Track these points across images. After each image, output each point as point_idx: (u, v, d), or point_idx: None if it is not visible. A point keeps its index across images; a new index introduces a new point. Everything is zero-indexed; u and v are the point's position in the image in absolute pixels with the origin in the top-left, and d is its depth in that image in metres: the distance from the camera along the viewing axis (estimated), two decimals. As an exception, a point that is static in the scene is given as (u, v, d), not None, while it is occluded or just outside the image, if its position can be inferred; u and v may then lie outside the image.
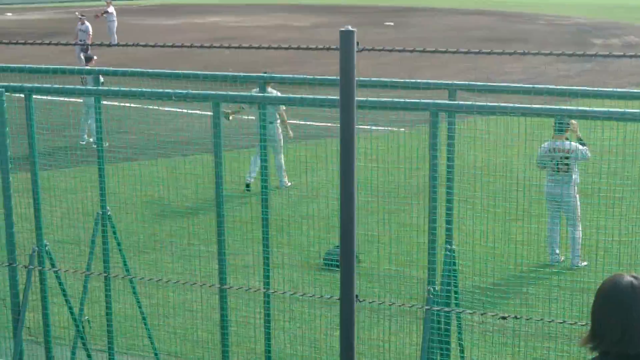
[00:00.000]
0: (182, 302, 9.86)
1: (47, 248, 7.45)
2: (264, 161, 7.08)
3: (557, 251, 11.50)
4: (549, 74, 27.49)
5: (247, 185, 14.85)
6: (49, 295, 7.67)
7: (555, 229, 11.47)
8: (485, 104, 6.18)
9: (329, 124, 7.06)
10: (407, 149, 7.50)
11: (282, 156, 15.08)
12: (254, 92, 14.72)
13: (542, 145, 11.19)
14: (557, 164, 11.30)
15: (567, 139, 11.34)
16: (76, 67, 8.29)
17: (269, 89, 14.97)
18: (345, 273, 4.82)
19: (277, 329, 8.68)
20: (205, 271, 9.95)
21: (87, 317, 8.05)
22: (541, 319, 6.28)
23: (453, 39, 37.92)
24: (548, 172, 11.42)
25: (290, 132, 15.17)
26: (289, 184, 14.80)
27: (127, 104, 12.88)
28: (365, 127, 6.78)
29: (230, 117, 14.29)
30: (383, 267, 9.01)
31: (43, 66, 7.60)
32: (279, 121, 15.07)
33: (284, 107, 14.56)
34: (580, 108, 6.07)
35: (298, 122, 7.78)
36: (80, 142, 18.05)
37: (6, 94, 7.02)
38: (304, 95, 6.39)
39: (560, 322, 6.18)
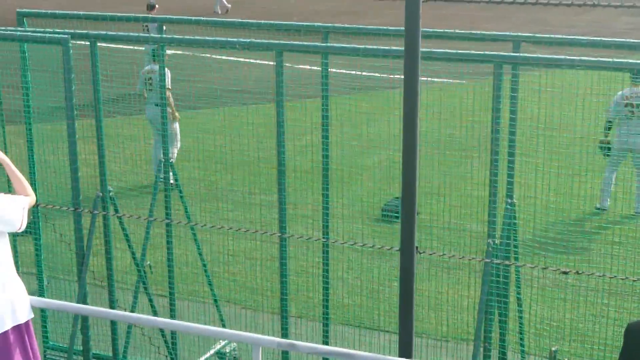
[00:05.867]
0: (242, 251, 9.98)
1: (111, 194, 7.57)
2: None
3: (608, 201, 11.50)
4: (614, 28, 26.91)
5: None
6: (112, 240, 7.83)
7: (612, 177, 11.51)
8: (551, 56, 6.09)
9: (387, 75, 7.04)
10: (467, 102, 7.44)
11: (175, 150, 13.10)
12: (147, 69, 13.59)
13: (618, 93, 11.14)
14: (632, 110, 11.29)
15: None
16: (140, 15, 8.34)
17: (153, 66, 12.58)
18: (405, 224, 4.85)
19: (335, 278, 8.75)
20: (265, 220, 10.05)
21: (149, 263, 8.19)
22: (603, 275, 6.23)
23: (516, -10, 37.18)
24: (622, 120, 11.37)
25: (176, 114, 13.13)
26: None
27: (187, 52, 12.94)
28: (424, 78, 6.74)
29: None
30: (441, 220, 8.99)
31: (108, 14, 7.66)
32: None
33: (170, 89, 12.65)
34: (648, 62, 5.96)
35: (360, 72, 7.75)
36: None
37: (72, 41, 7.11)
38: (367, 46, 6.36)
39: (623, 279, 6.13)
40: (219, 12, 31.21)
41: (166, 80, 13.24)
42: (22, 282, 5.87)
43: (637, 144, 11.22)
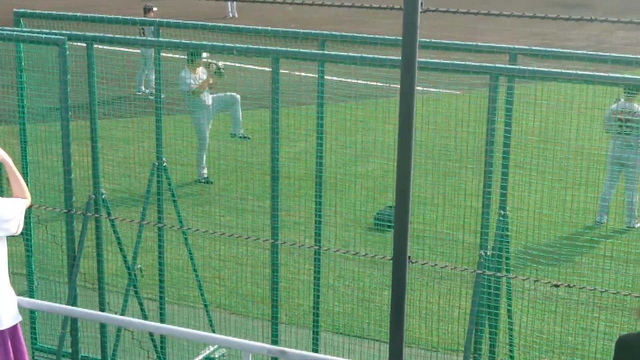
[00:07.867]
0: (233, 256, 9.96)
1: (103, 196, 7.55)
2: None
3: (606, 217, 11.54)
4: (611, 42, 26.99)
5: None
6: (104, 242, 7.80)
7: (612, 192, 11.56)
8: (547, 69, 6.09)
9: (382, 84, 7.05)
10: (462, 112, 7.45)
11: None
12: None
13: (610, 107, 11.16)
14: (621, 126, 11.30)
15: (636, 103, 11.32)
16: (137, 18, 8.33)
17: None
18: (399, 233, 4.83)
19: (326, 286, 8.73)
20: (256, 226, 10.03)
21: (140, 266, 8.17)
22: (594, 289, 6.23)
23: (515, 3, 37.31)
24: (613, 135, 11.40)
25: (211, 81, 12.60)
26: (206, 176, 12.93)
27: (178, 56, 12.91)
28: (420, 88, 6.73)
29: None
30: (434, 230, 8.99)
31: (105, 16, 7.65)
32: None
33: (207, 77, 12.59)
34: (643, 77, 5.97)
35: (356, 80, 7.76)
36: (137, 93, 18.18)
37: (68, 42, 7.10)
38: (364, 55, 6.36)
39: (614, 293, 6.13)
40: (234, 16, 31.24)
41: (184, 83, 13.07)
42: (11, 288, 5.82)
43: (628, 159, 11.26)
